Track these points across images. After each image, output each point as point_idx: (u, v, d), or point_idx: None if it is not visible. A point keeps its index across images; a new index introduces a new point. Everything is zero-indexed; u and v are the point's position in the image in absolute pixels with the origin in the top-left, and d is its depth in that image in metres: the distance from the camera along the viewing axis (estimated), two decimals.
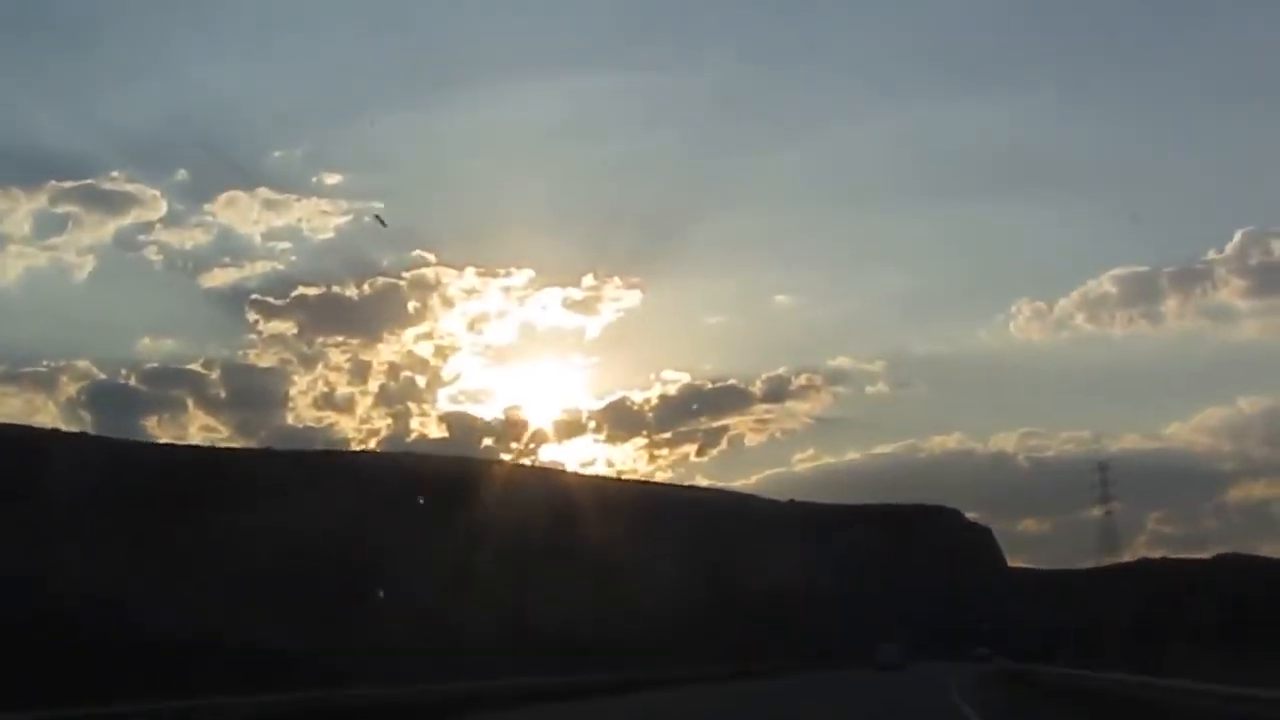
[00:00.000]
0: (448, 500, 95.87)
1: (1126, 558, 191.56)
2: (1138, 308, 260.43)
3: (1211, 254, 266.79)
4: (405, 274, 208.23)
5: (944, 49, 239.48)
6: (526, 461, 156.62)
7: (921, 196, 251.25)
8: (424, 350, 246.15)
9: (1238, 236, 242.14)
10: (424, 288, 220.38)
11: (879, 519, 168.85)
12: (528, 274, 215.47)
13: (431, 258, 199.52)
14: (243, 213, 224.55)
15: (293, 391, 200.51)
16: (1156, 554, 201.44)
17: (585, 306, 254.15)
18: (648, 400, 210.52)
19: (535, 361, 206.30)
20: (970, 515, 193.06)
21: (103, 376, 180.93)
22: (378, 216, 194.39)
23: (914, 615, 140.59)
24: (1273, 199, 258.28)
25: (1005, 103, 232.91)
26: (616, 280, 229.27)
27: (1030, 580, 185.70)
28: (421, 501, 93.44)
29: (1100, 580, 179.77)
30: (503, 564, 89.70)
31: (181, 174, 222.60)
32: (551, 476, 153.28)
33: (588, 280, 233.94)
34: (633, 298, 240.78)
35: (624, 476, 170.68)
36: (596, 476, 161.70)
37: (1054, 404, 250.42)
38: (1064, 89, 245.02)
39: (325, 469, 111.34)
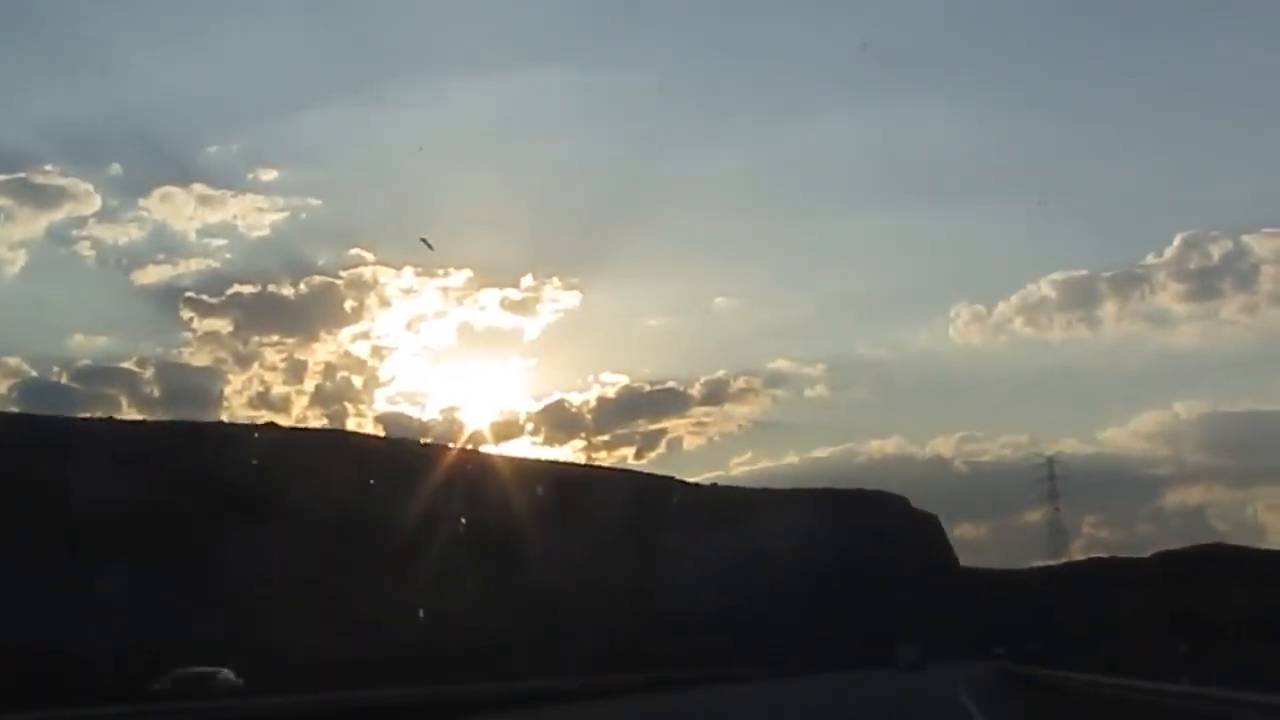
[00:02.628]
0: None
1: (1070, 558, 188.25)
2: (1076, 312, 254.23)
3: (1151, 258, 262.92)
4: (342, 273, 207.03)
5: (886, 53, 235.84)
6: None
7: (863, 200, 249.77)
8: (361, 350, 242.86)
9: (1177, 240, 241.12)
10: (361, 287, 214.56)
11: (820, 503, 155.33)
12: (466, 274, 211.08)
13: (369, 256, 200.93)
14: (178, 209, 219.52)
15: (227, 391, 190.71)
16: (1105, 554, 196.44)
17: (524, 307, 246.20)
18: (586, 402, 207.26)
19: (473, 362, 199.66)
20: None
21: (34, 374, 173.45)
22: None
23: (876, 608, 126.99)
24: (1212, 203, 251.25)
25: (946, 108, 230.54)
26: (556, 281, 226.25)
27: (983, 578, 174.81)
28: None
29: (1055, 579, 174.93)
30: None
31: (116, 168, 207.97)
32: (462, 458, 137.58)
33: (527, 281, 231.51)
34: (572, 299, 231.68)
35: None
36: (507, 457, 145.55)
37: (992, 408, 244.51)
38: (1005, 94, 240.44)
39: None
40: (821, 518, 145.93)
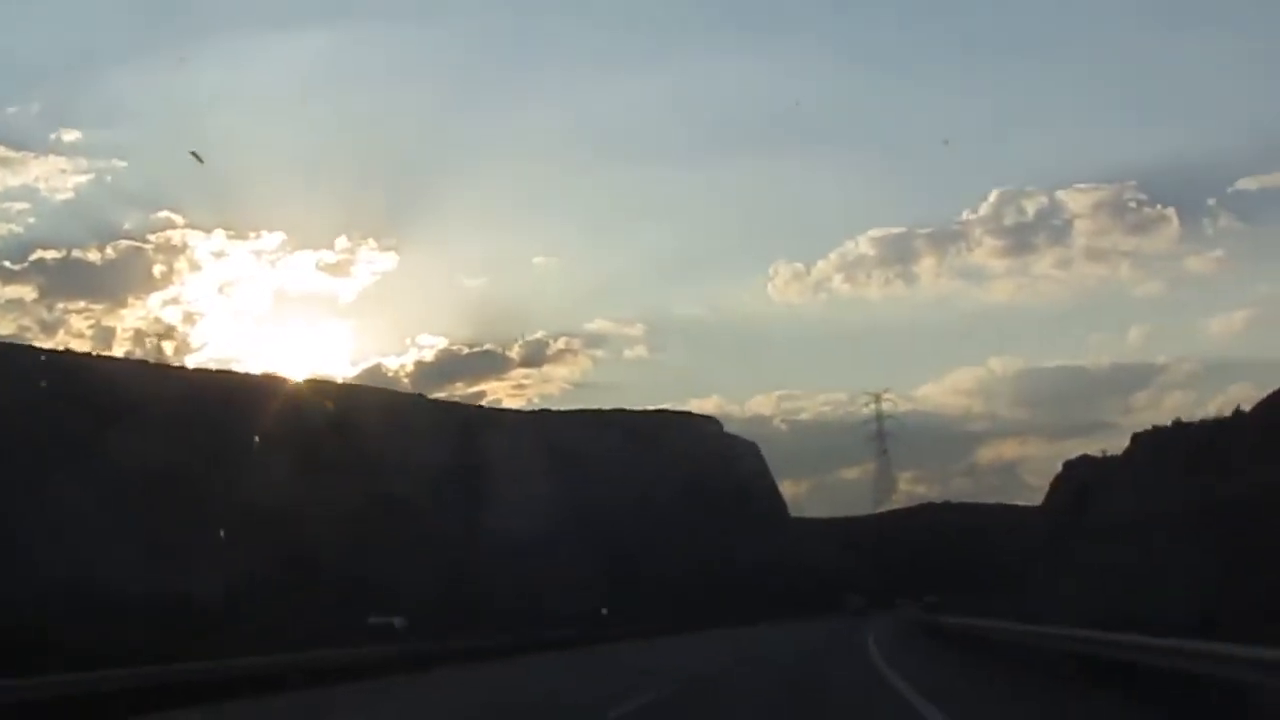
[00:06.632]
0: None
1: (894, 506, 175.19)
2: (894, 268, 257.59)
3: (966, 214, 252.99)
4: (151, 236, 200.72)
5: (703, 4, 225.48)
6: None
7: (681, 155, 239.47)
8: (172, 315, 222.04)
9: (993, 196, 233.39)
10: (171, 251, 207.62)
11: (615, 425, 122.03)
12: (279, 236, 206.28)
13: (178, 219, 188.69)
14: None
15: None
16: (939, 500, 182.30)
17: (339, 270, 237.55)
18: (403, 366, 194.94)
19: (288, 327, 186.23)
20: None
21: None
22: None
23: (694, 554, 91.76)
24: (1027, 159, 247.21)
25: (763, 61, 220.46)
26: (371, 242, 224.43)
27: (819, 526, 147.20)
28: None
29: (888, 527, 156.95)
30: None
31: None
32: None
33: (341, 243, 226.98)
34: (388, 260, 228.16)
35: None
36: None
37: (811, 366, 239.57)
38: (821, 48, 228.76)
39: None
40: (619, 442, 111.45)
